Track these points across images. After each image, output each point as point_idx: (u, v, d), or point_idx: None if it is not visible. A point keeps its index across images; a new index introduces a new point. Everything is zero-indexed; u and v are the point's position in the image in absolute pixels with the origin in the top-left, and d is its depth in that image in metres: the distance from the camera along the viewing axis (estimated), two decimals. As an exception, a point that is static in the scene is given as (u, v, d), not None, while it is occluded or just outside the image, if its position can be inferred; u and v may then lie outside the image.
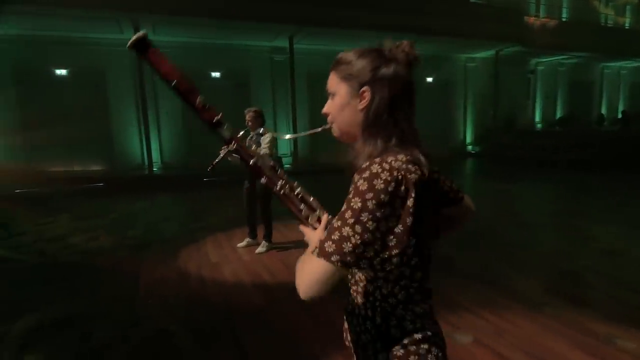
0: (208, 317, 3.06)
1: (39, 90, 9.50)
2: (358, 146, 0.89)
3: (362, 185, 0.77)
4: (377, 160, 0.80)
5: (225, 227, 5.62)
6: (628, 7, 17.33)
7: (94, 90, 10.08)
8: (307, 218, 0.95)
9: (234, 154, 0.97)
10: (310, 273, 0.79)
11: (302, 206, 0.95)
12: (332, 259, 0.76)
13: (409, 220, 0.79)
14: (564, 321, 2.78)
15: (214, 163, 4.08)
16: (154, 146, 10.57)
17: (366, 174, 0.78)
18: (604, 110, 18.05)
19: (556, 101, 17.32)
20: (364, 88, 0.87)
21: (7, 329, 2.88)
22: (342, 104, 0.91)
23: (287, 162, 11.35)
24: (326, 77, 0.92)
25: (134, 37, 0.90)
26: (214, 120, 0.94)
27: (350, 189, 0.81)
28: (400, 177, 0.78)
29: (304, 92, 11.72)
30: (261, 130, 4.27)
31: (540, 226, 5.55)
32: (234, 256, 4.41)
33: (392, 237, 0.79)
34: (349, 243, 0.76)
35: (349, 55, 0.91)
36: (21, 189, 8.53)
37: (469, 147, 15.20)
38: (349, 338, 0.98)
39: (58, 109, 9.31)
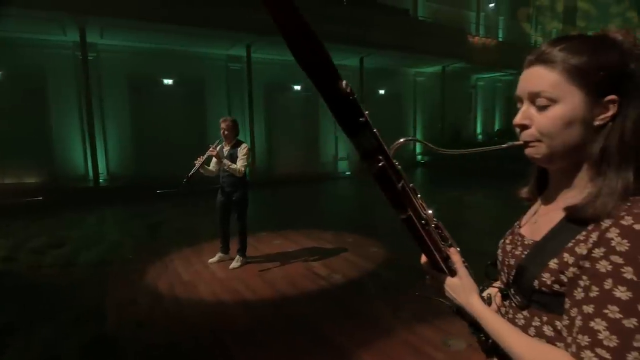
0: (191, 337, 2.88)
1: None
2: (582, 179, 0.66)
3: (622, 262, 0.53)
4: (628, 216, 0.55)
5: (190, 242, 5.35)
6: (554, 31, 19.25)
7: (31, 94, 9.20)
8: (447, 259, 0.74)
9: (374, 176, 0.60)
10: None
11: (441, 244, 0.73)
12: None
13: None
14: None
15: (189, 175, 3.85)
16: (100, 156, 9.85)
17: (625, 247, 0.53)
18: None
19: (494, 114, 18.75)
20: (611, 97, 0.61)
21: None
22: (572, 117, 0.62)
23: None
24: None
25: None
26: (359, 120, 0.55)
27: (589, 263, 0.56)
28: None
29: (261, 103, 11.61)
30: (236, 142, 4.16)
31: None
32: (207, 273, 4.21)
33: None
34: (634, 353, 0.52)
35: (574, 44, 0.63)
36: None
37: (419, 157, 15.87)
38: None
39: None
